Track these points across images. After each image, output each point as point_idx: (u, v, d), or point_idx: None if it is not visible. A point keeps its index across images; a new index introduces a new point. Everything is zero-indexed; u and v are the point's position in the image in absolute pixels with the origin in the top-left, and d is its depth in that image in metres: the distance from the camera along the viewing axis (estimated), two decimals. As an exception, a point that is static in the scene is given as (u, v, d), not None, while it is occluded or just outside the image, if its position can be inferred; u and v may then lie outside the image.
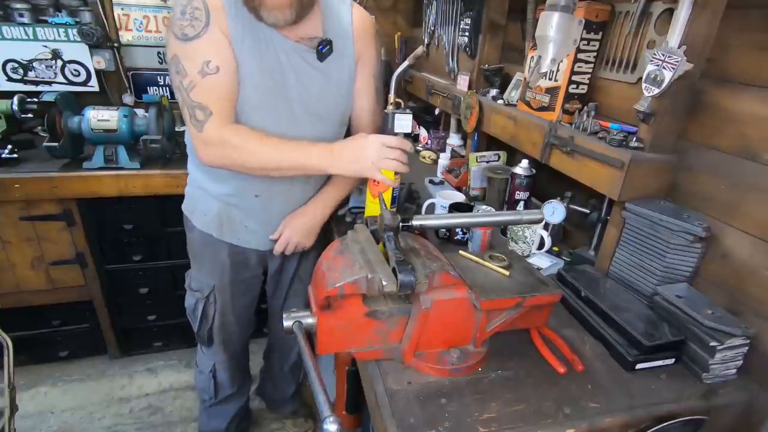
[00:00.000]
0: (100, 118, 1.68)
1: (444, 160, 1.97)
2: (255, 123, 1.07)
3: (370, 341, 0.88)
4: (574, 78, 1.24)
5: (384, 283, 0.79)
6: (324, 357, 1.31)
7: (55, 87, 2.07)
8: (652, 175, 1.04)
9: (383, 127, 1.20)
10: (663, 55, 0.93)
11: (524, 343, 0.96)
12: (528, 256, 1.31)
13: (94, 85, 2.13)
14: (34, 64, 2.02)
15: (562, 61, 1.21)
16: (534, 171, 1.43)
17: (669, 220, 0.97)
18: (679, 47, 0.91)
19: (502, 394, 0.83)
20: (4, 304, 1.85)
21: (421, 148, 2.33)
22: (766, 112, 0.88)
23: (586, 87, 1.27)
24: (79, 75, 2.10)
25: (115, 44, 2.12)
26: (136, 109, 1.83)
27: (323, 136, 1.18)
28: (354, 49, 1.15)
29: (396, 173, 1.06)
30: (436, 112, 2.48)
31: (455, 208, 1.37)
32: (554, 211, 1.31)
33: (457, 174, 1.84)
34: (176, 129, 1.88)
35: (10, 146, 1.71)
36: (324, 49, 1.07)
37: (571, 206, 1.30)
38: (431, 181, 1.88)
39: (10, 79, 2.01)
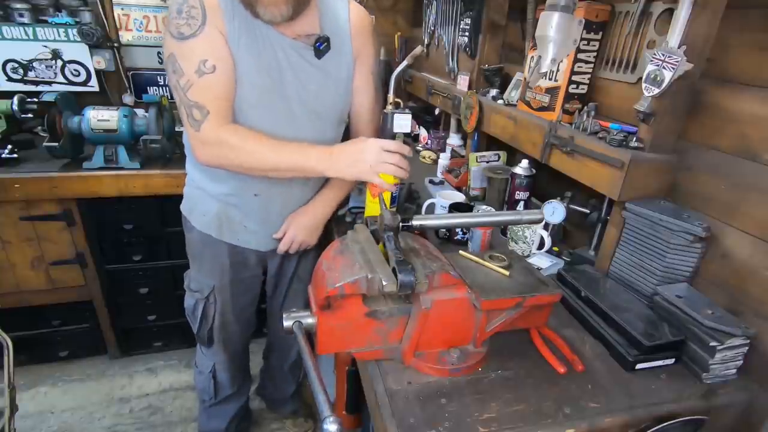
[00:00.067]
0: (100, 118, 1.68)
1: (444, 160, 1.97)
2: (253, 121, 1.06)
3: (370, 341, 0.88)
4: (574, 78, 1.24)
5: (384, 283, 0.79)
6: (324, 357, 1.31)
7: (55, 87, 2.07)
8: (652, 175, 1.04)
9: (382, 126, 1.20)
10: (663, 55, 0.93)
11: (524, 343, 0.96)
12: (528, 256, 1.31)
13: (94, 85, 2.13)
14: (34, 64, 2.02)
15: (562, 61, 1.21)
16: (534, 171, 1.43)
17: (669, 220, 0.97)
18: (679, 47, 0.91)
19: (502, 394, 0.83)
20: (4, 304, 1.85)
21: (421, 148, 2.33)
22: (766, 112, 0.88)
23: (586, 87, 1.27)
24: (79, 75, 2.10)
25: (115, 44, 2.12)
26: (136, 109, 1.83)
27: (322, 134, 1.17)
28: (352, 47, 1.15)
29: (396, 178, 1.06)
30: (436, 112, 2.48)
31: (455, 208, 1.37)
32: (554, 211, 1.31)
33: (457, 174, 1.84)
34: (176, 129, 1.88)
35: (10, 146, 1.71)
36: (322, 46, 1.07)
37: (571, 206, 1.30)
38: (431, 181, 1.88)
39: (10, 79, 2.01)
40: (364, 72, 1.20)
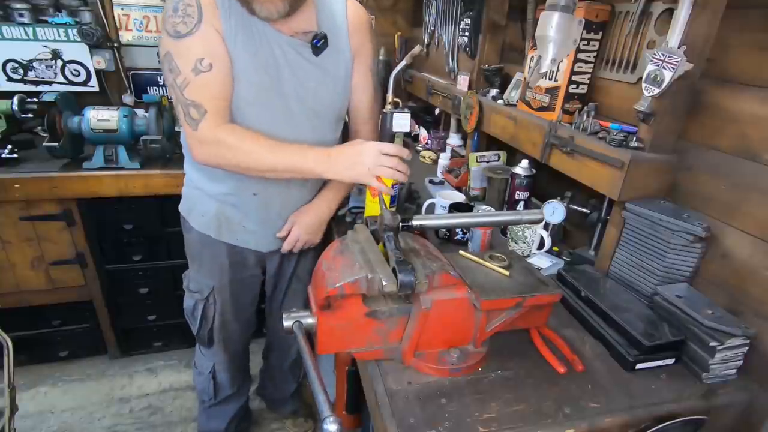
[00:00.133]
0: (100, 118, 1.68)
1: (444, 160, 1.97)
2: (251, 120, 1.06)
3: (370, 341, 0.88)
4: (574, 78, 1.24)
5: (384, 283, 0.79)
6: (324, 357, 1.31)
7: (55, 87, 2.07)
8: (652, 175, 1.04)
9: (381, 126, 1.20)
10: (663, 55, 0.93)
11: (524, 343, 0.96)
12: (528, 256, 1.31)
13: (94, 85, 2.13)
14: (34, 64, 2.02)
15: (562, 61, 1.21)
16: (534, 171, 1.43)
17: (669, 220, 0.97)
18: (679, 47, 0.91)
19: (502, 394, 0.83)
20: (4, 304, 1.85)
21: (421, 148, 2.33)
22: (766, 112, 0.88)
23: (586, 87, 1.27)
24: (79, 75, 2.10)
25: (115, 44, 2.12)
26: (136, 109, 1.83)
27: (321, 132, 1.17)
28: (350, 44, 1.14)
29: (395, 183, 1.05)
30: (436, 112, 2.48)
31: (455, 208, 1.37)
32: (554, 211, 1.31)
33: (457, 174, 1.84)
34: (176, 129, 1.88)
35: (10, 146, 1.71)
36: (319, 43, 1.06)
37: (571, 206, 1.30)
38: (431, 181, 1.88)
39: (10, 79, 2.02)
40: (363, 69, 1.20)
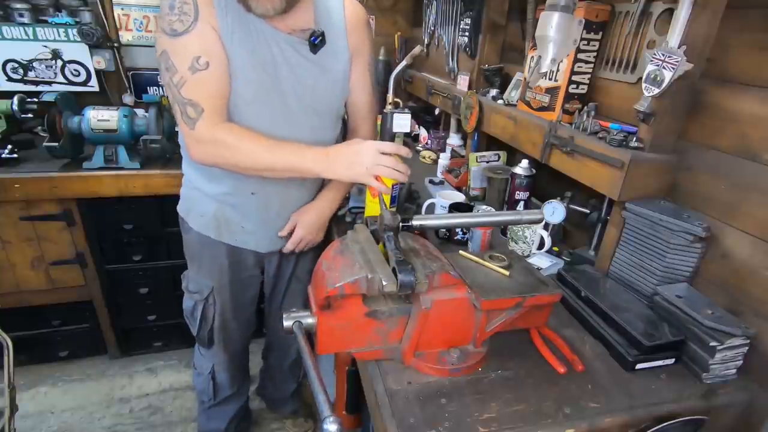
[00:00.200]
0: (100, 118, 1.68)
1: (444, 160, 1.97)
2: (249, 118, 1.06)
3: (370, 341, 0.88)
4: (574, 78, 1.24)
5: (384, 283, 0.79)
6: (324, 357, 1.31)
7: (55, 87, 2.07)
8: (652, 175, 1.04)
9: (382, 126, 1.20)
10: (663, 55, 0.93)
11: (524, 343, 0.96)
12: (528, 256, 1.31)
13: (94, 85, 2.13)
14: (34, 64, 2.02)
15: (562, 61, 1.21)
16: (534, 171, 1.43)
17: (669, 220, 0.97)
18: (679, 47, 0.91)
19: (502, 394, 0.83)
20: (4, 304, 1.85)
21: (421, 148, 2.33)
22: (766, 112, 0.88)
23: (586, 87, 1.27)
24: (79, 75, 2.10)
25: (115, 44, 2.12)
26: (136, 109, 1.83)
27: (320, 130, 1.17)
28: (348, 42, 1.14)
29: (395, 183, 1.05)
30: (436, 112, 2.48)
31: (455, 208, 1.37)
32: (554, 211, 1.31)
33: (457, 174, 1.84)
34: (176, 129, 1.87)
35: (10, 146, 1.71)
36: (317, 40, 1.05)
37: (571, 206, 1.30)
38: (431, 181, 1.88)
39: (10, 79, 2.02)
40: (361, 67, 1.20)
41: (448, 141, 2.13)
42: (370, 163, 0.99)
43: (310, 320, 0.84)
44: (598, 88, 1.26)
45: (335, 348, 0.89)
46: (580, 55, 1.21)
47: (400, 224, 0.88)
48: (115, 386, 2.05)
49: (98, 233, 1.88)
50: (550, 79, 1.29)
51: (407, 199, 1.57)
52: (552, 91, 1.29)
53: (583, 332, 1.02)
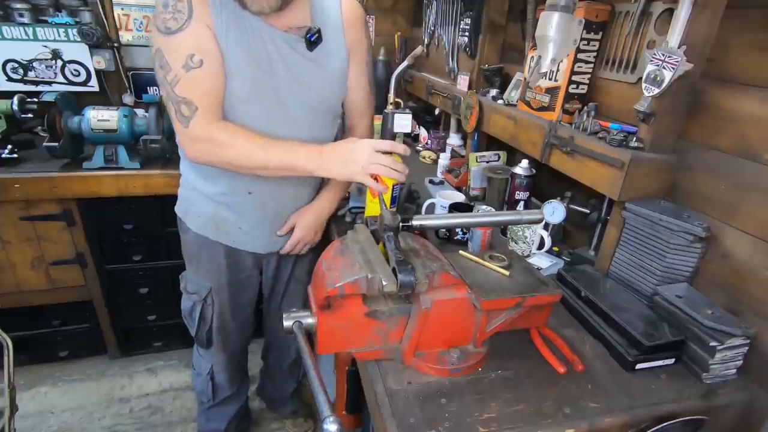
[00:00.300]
0: (100, 118, 1.67)
1: (444, 160, 1.97)
2: (245, 117, 1.05)
3: (370, 341, 0.88)
4: (574, 78, 1.24)
5: (384, 283, 0.79)
6: (324, 357, 1.31)
7: (55, 87, 2.07)
8: (652, 175, 1.04)
9: (383, 126, 1.20)
10: (663, 55, 0.93)
11: (524, 343, 0.96)
12: (528, 256, 1.31)
13: (94, 85, 2.13)
14: (34, 64, 2.02)
15: (562, 61, 1.21)
16: (534, 171, 1.43)
17: (669, 220, 0.97)
18: (679, 47, 0.91)
19: (502, 394, 0.83)
20: (4, 304, 1.85)
21: (421, 148, 2.33)
22: (766, 112, 0.88)
23: (586, 87, 1.27)
24: (79, 75, 2.10)
25: (115, 44, 2.12)
26: (136, 109, 1.83)
27: (317, 129, 1.16)
28: (345, 40, 1.14)
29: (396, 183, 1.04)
30: (436, 112, 2.48)
31: (455, 208, 1.37)
32: (554, 211, 1.31)
33: (457, 174, 1.84)
34: (176, 129, 1.88)
35: (10, 146, 1.71)
36: (313, 37, 1.05)
37: (571, 206, 1.30)
38: (431, 181, 1.88)
39: (10, 79, 2.01)
40: (358, 65, 1.19)
41: (448, 141, 2.13)
42: (366, 162, 0.98)
43: (310, 320, 0.84)
44: (598, 88, 1.26)
45: (335, 348, 0.89)
46: (580, 55, 1.21)
47: (400, 224, 0.88)
48: (115, 386, 2.05)
49: (98, 233, 1.88)
50: (550, 79, 1.29)
51: (407, 199, 1.57)
52: (552, 91, 1.29)
53: (583, 332, 1.02)
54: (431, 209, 1.49)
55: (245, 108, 1.05)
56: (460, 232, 1.36)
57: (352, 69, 1.18)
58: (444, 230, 1.38)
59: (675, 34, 0.92)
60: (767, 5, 0.87)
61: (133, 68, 2.24)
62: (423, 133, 2.42)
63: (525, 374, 0.88)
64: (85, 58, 2.07)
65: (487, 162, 1.70)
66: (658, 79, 0.94)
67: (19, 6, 1.92)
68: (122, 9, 2.13)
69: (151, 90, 2.30)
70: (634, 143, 1.04)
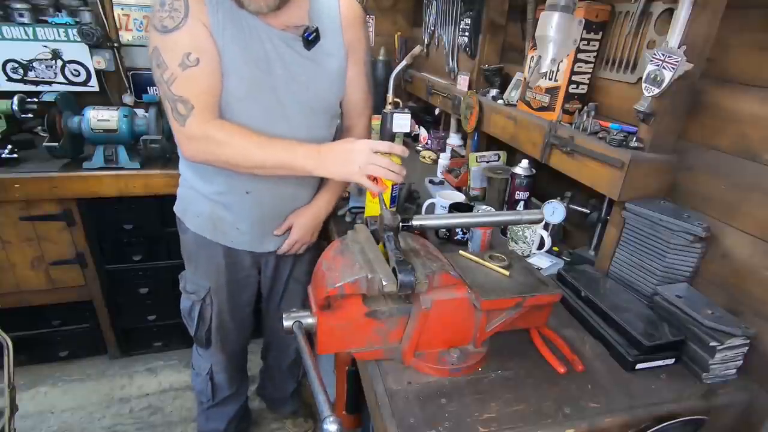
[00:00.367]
0: (100, 118, 1.67)
1: (444, 160, 1.97)
2: (242, 116, 1.05)
3: (370, 341, 0.88)
4: (574, 78, 1.24)
5: (384, 283, 0.79)
6: (324, 357, 1.31)
7: (55, 87, 2.07)
8: (652, 175, 1.04)
9: (382, 126, 1.20)
10: (663, 55, 0.93)
11: (524, 343, 0.96)
12: (528, 256, 1.31)
13: (94, 85, 2.13)
14: (34, 64, 2.02)
15: (562, 61, 1.21)
16: (534, 171, 1.43)
17: (669, 220, 0.97)
18: (679, 47, 0.91)
19: (502, 394, 0.83)
20: (4, 304, 1.85)
21: (421, 148, 2.33)
22: (766, 112, 0.88)
23: (586, 87, 1.27)
24: (79, 75, 2.10)
25: (115, 44, 2.12)
26: (136, 109, 1.83)
27: (314, 128, 1.16)
28: (344, 39, 1.13)
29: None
30: (436, 112, 2.48)
31: (455, 208, 1.37)
32: (554, 211, 1.31)
33: (457, 174, 1.84)
34: (176, 129, 1.88)
35: (10, 146, 1.71)
36: (311, 36, 1.04)
37: (571, 206, 1.30)
38: (431, 181, 1.88)
39: (10, 79, 2.01)
40: (357, 65, 1.19)
41: (448, 141, 2.13)
42: (363, 162, 0.97)
43: (310, 320, 0.84)
44: (598, 88, 1.26)
45: (335, 348, 0.89)
46: (580, 55, 1.21)
47: (400, 224, 0.88)
48: (115, 386, 2.05)
49: (98, 233, 1.88)
50: (550, 79, 1.29)
51: (407, 199, 1.57)
52: (552, 91, 1.29)
53: (583, 332, 1.02)
54: (431, 209, 1.49)
55: (242, 107, 1.05)
56: (460, 232, 1.36)
57: (350, 68, 1.18)
58: (444, 230, 1.38)
59: (675, 34, 0.92)
60: (767, 5, 0.87)
61: (133, 68, 2.24)
62: (423, 133, 2.42)
63: (525, 374, 0.88)
64: (85, 58, 2.07)
65: (487, 162, 1.70)
66: (658, 79, 0.94)
67: (19, 6, 1.92)
68: (122, 9, 2.13)
69: (151, 90, 2.30)
70: (634, 143, 1.04)
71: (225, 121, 1.03)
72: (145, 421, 1.90)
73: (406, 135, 1.30)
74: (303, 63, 1.08)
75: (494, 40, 1.74)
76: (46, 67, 2.04)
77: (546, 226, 1.34)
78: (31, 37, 1.97)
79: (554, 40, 1.04)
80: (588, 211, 1.28)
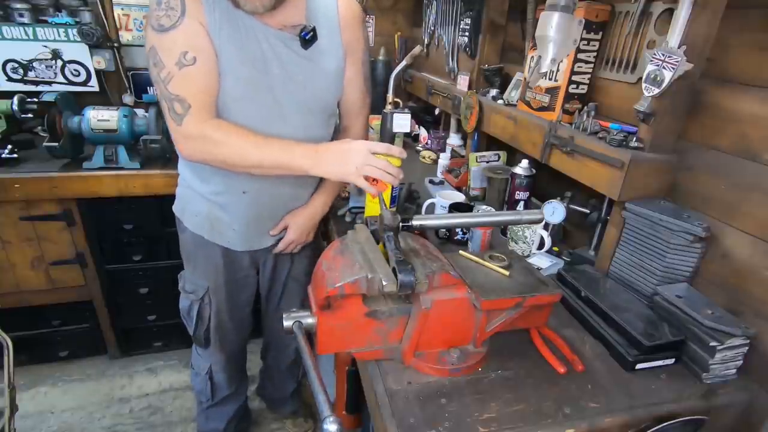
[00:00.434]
0: (100, 118, 1.68)
1: (444, 160, 1.97)
2: (239, 115, 1.05)
3: (370, 341, 0.88)
4: (574, 78, 1.24)
5: (384, 283, 0.79)
6: (324, 357, 1.31)
7: (55, 87, 2.07)
8: (652, 175, 1.04)
9: (382, 126, 1.20)
10: (663, 55, 0.93)
11: (524, 343, 0.96)
12: (528, 256, 1.31)
13: (94, 85, 2.13)
14: (34, 64, 2.02)
15: (562, 61, 1.21)
16: (534, 171, 1.43)
17: (669, 220, 0.97)
18: (679, 47, 0.91)
19: (502, 394, 0.83)
20: (4, 304, 1.85)
21: (421, 148, 2.33)
22: (766, 112, 0.88)
23: (586, 87, 1.27)
24: (79, 75, 2.10)
25: (115, 44, 2.12)
26: (136, 109, 1.83)
27: (312, 128, 1.16)
28: (342, 39, 1.13)
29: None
30: (436, 112, 2.48)
31: (455, 208, 1.37)
32: (554, 211, 1.31)
33: (457, 174, 1.84)
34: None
35: (10, 146, 1.71)
36: (308, 36, 1.04)
37: (571, 206, 1.30)
38: (431, 181, 1.88)
39: (10, 79, 2.01)
40: (355, 65, 1.18)
41: (448, 141, 2.13)
42: (360, 163, 0.96)
43: (310, 320, 0.84)
44: (598, 88, 1.26)
45: (335, 348, 0.89)
46: (580, 55, 1.21)
47: (400, 224, 0.88)
48: (115, 386, 2.05)
49: (98, 233, 1.88)
50: (550, 79, 1.29)
51: (407, 199, 1.57)
52: (552, 91, 1.29)
53: (583, 332, 1.02)
54: (431, 209, 1.49)
55: (239, 107, 1.05)
56: (460, 232, 1.36)
57: (348, 68, 1.17)
58: (444, 230, 1.38)
59: (675, 34, 0.92)
60: (767, 5, 0.87)
61: (133, 68, 2.24)
62: (423, 133, 2.42)
63: (525, 374, 0.88)
64: (85, 58, 2.07)
65: (487, 162, 1.70)
66: (658, 79, 0.94)
67: (19, 6, 1.92)
68: (122, 9, 2.13)
69: (151, 90, 2.30)
70: (634, 143, 1.04)
71: (222, 120, 1.03)
72: (145, 421, 1.90)
73: (407, 135, 1.29)
74: (300, 62, 1.08)
75: (494, 40, 1.74)
76: (46, 67, 2.04)
77: (546, 226, 1.34)
78: (31, 37, 1.97)
79: (554, 40, 1.04)
80: (588, 211, 1.28)
